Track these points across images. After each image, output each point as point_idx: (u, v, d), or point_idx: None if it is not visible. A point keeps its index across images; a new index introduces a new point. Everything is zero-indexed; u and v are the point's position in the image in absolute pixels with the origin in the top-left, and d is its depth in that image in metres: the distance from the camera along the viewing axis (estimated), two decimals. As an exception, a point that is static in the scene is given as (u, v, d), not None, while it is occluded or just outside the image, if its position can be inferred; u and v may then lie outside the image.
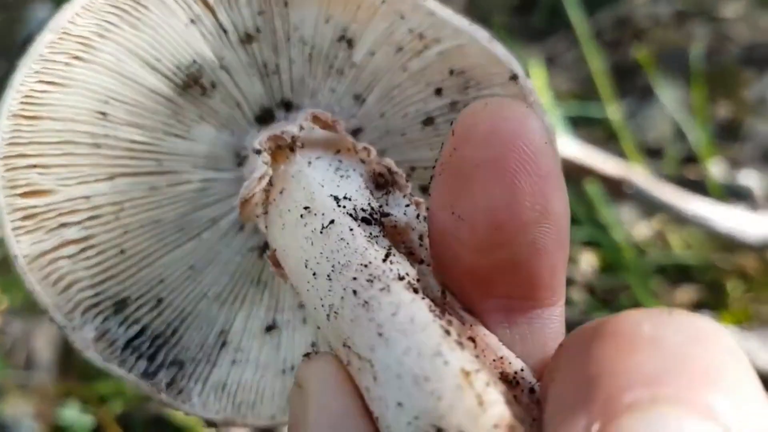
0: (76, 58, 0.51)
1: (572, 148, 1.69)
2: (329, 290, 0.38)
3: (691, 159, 2.14)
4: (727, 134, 2.30)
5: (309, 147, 0.50)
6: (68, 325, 0.51)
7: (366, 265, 0.38)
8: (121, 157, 0.54)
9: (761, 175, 2.10)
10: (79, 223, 0.52)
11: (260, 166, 0.49)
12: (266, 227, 0.48)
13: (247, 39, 0.56)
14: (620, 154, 2.05)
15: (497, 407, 0.31)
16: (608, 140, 2.29)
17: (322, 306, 0.39)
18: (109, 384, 1.61)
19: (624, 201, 2.02)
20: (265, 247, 0.57)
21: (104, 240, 0.53)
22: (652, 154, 2.20)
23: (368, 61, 0.57)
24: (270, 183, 0.49)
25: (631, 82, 2.48)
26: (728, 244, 1.72)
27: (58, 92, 0.51)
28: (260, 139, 0.50)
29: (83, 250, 0.53)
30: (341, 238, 0.40)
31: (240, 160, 0.57)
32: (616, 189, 1.65)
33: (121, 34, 0.52)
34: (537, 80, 1.77)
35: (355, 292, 0.37)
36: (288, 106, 0.58)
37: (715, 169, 1.96)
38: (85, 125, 0.52)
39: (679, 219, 1.64)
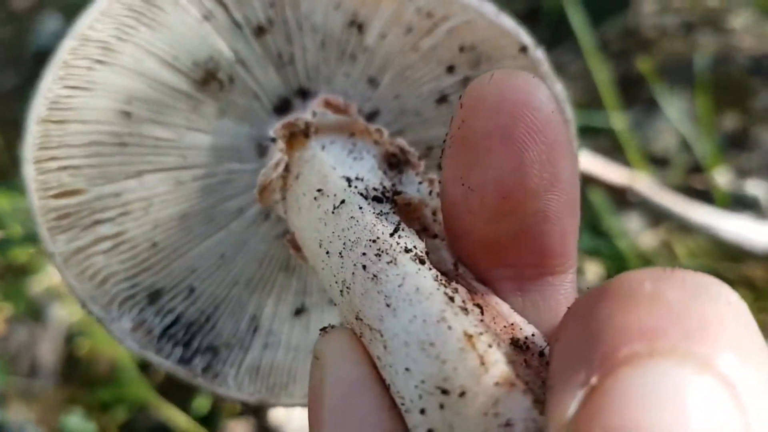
0: (98, 61, 0.53)
1: (583, 161, 1.68)
2: (341, 267, 0.39)
3: (697, 169, 2.13)
4: (734, 144, 2.29)
5: (323, 132, 0.51)
6: (106, 317, 0.52)
7: (374, 240, 0.39)
8: (146, 155, 0.55)
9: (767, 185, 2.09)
10: (111, 219, 0.54)
11: (276, 154, 0.50)
12: (285, 212, 0.49)
13: (260, 31, 0.57)
14: (626, 164, 2.04)
15: (499, 366, 0.31)
16: (614, 150, 2.28)
17: (336, 283, 0.40)
18: (111, 390, 1.61)
19: (629, 210, 2.01)
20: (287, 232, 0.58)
21: (136, 234, 0.55)
22: (658, 163, 2.19)
23: (380, 44, 0.58)
24: (287, 169, 0.50)
25: (637, 93, 2.47)
26: (735, 253, 1.70)
27: (83, 96, 0.52)
28: (275, 127, 0.51)
29: (117, 245, 0.54)
30: (351, 217, 0.41)
31: (262, 150, 0.58)
32: (621, 197, 1.64)
33: (139, 36, 0.53)
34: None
35: (364, 266, 0.38)
36: (305, 94, 0.59)
37: (722, 178, 1.95)
38: (110, 126, 0.54)
39: (685, 227, 1.63)
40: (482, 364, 0.31)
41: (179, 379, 0.53)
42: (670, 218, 1.63)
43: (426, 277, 0.36)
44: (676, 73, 2.47)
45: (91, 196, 0.53)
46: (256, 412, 1.73)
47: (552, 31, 2.71)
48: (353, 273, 0.38)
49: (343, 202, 0.42)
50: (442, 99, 0.60)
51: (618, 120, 1.92)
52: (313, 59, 0.59)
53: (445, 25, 0.56)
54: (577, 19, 1.95)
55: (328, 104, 0.53)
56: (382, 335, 0.35)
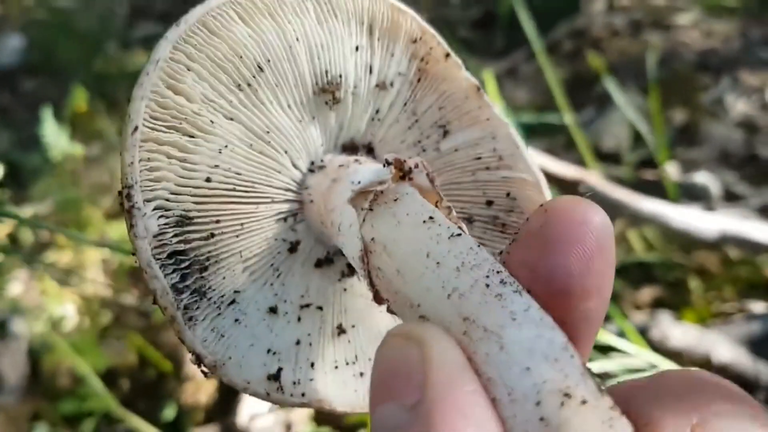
0: (270, 15, 0.60)
1: (532, 155, 1.72)
2: (456, 278, 0.47)
3: (648, 163, 2.19)
4: (685, 138, 2.35)
5: (413, 182, 0.58)
6: (141, 209, 0.54)
7: (498, 271, 0.47)
8: (247, 107, 0.61)
9: (717, 176, 2.15)
10: (192, 136, 0.58)
11: (383, 173, 0.58)
12: (364, 219, 0.55)
13: (380, 85, 0.67)
14: (580, 160, 2.09)
15: (608, 397, 0.40)
16: (569, 148, 2.33)
17: (443, 287, 0.47)
18: (75, 403, 1.60)
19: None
20: (294, 246, 0.65)
21: (200, 162, 0.59)
22: (611, 159, 2.25)
23: (450, 153, 0.69)
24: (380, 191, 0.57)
25: (590, 91, 2.53)
26: (686, 242, 1.75)
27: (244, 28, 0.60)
28: (391, 155, 0.59)
29: (184, 160, 0.58)
30: (470, 248, 0.49)
31: (311, 167, 0.65)
32: (573, 191, 1.68)
33: (308, 22, 0.62)
34: (490, 91, 1.80)
35: (487, 285, 0.46)
36: (370, 149, 0.69)
37: (672, 171, 2.01)
38: (245, 70, 0.60)
39: (636, 218, 1.67)
40: (599, 390, 0.40)
41: (162, 312, 0.55)
42: (621, 210, 1.67)
43: (547, 313, 0.44)
44: (626, 70, 2.53)
45: (195, 108, 0.58)
46: (222, 419, 1.74)
47: (508, 36, 2.77)
48: (472, 286, 0.46)
49: (459, 235, 0.50)
50: (469, 220, 0.68)
51: (570, 119, 1.97)
52: (396, 132, 0.69)
53: (506, 171, 0.67)
54: (528, 24, 1.99)
55: (425, 168, 0.60)
56: (501, 338, 0.43)
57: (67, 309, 1.92)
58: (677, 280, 1.91)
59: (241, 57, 0.59)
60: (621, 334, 1.56)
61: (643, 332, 1.61)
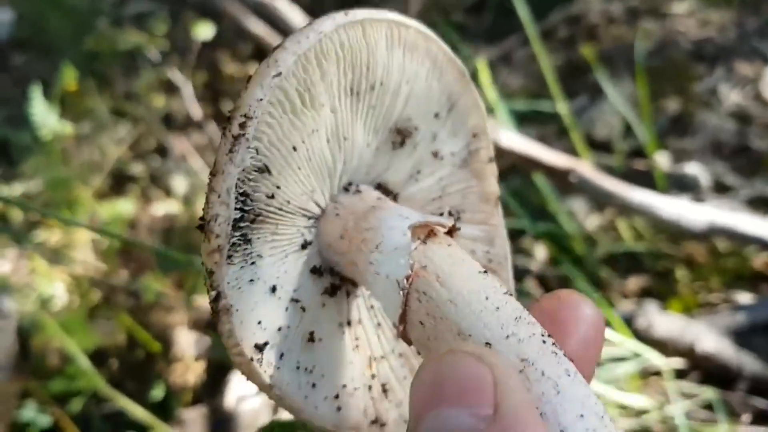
0: (406, 50, 0.68)
1: (520, 142, 1.72)
2: (515, 326, 0.54)
3: (640, 152, 2.19)
4: (677, 127, 2.35)
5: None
6: (249, 141, 0.59)
7: (549, 335, 0.54)
8: (346, 110, 0.67)
9: (708, 167, 2.16)
10: (305, 107, 0.63)
11: (443, 219, 0.65)
12: (416, 248, 0.61)
13: (435, 153, 0.74)
14: (572, 148, 2.09)
15: None
16: (561, 136, 2.34)
17: (501, 329, 0.54)
18: (63, 382, 1.60)
19: (574, 194, 2.06)
20: (305, 245, 0.68)
21: (299, 129, 0.64)
22: (603, 148, 2.25)
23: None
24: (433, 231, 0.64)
25: (584, 79, 2.53)
26: (675, 232, 1.76)
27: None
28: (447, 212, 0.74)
29: (291, 122, 0.63)
30: (522, 309, 0.56)
31: (348, 186, 0.71)
32: (563, 180, 1.69)
33: (422, 73, 0.70)
34: (482, 77, 1.80)
35: (543, 341, 0.53)
36: (395, 198, 0.75)
37: (662, 161, 2.01)
38: (364, 81, 0.67)
39: (625, 208, 1.68)
40: None
41: (207, 240, 0.58)
42: (611, 200, 1.68)
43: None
44: (622, 58, 2.53)
45: (322, 88, 0.63)
46: (209, 400, 1.75)
47: (502, 21, 2.75)
48: (530, 337, 0.53)
49: (512, 295, 0.58)
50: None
51: (562, 107, 1.97)
52: (423, 200, 0.77)
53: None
54: (523, 9, 1.98)
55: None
56: (557, 385, 0.50)
57: (56, 288, 1.92)
58: (665, 270, 1.92)
59: (368, 69, 0.66)
60: (606, 324, 1.57)
61: (629, 321, 1.62)
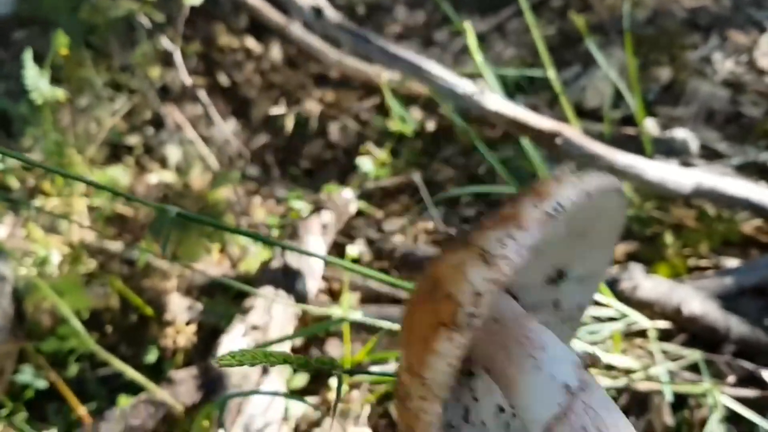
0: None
1: (507, 106, 1.73)
2: None
3: (631, 121, 2.20)
4: (670, 96, 2.35)
5: None
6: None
7: None
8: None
9: (700, 134, 2.16)
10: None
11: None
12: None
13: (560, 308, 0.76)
14: (563, 117, 2.10)
15: None
16: (552, 105, 2.34)
17: None
18: (56, 343, 1.63)
19: (564, 161, 2.06)
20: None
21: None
22: (594, 116, 2.25)
23: None
24: None
25: (577, 49, 2.52)
26: (661, 195, 1.77)
27: None
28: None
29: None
30: None
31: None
32: (550, 144, 1.70)
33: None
34: (470, 41, 1.80)
35: None
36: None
37: (651, 126, 2.01)
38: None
39: (611, 171, 1.69)
40: None
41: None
42: (596, 163, 1.69)
43: None
44: (615, 27, 2.52)
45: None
46: (200, 362, 1.78)
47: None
48: None
49: None
50: None
51: (552, 74, 1.97)
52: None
53: None
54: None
55: None
56: None
57: (52, 253, 1.95)
58: (653, 235, 1.93)
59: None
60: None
61: (614, 283, 1.63)
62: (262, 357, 0.69)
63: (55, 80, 2.73)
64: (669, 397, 1.54)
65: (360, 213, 2.28)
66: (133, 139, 2.59)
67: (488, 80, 1.84)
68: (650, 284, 1.62)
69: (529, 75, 2.37)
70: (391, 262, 2.12)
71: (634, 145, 1.98)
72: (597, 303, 1.60)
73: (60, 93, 1.73)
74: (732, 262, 1.87)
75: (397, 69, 1.76)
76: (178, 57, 1.99)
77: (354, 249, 2.04)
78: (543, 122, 1.69)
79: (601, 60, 1.95)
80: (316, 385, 1.81)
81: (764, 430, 1.51)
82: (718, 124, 2.24)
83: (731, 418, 1.60)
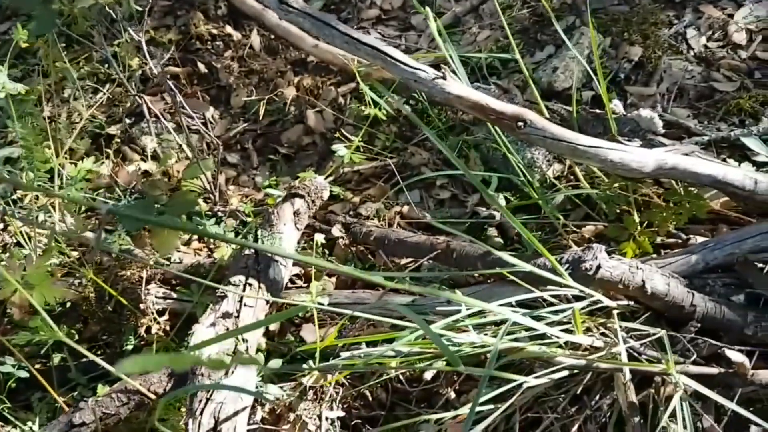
0: None
1: (472, 92, 1.74)
2: None
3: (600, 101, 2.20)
4: (642, 74, 2.35)
5: None
6: None
7: None
8: None
9: (671, 112, 2.16)
10: None
11: None
12: None
13: None
14: (533, 100, 2.10)
15: None
16: (526, 87, 2.34)
17: None
18: (26, 336, 1.66)
19: (535, 147, 2.07)
20: None
21: None
22: (565, 98, 2.25)
23: None
24: None
25: (552, 29, 2.52)
26: (625, 175, 1.77)
27: None
28: None
29: None
30: None
31: None
32: (514, 128, 1.70)
33: None
34: (432, 26, 1.81)
35: None
36: None
37: (616, 106, 2.02)
38: None
39: (574, 153, 1.69)
40: None
41: None
42: (558, 146, 1.69)
43: None
44: (591, 6, 2.51)
45: None
46: (175, 350, 1.81)
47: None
48: None
49: None
50: None
51: (518, 56, 1.97)
52: None
53: None
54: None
55: None
56: None
57: (25, 246, 1.98)
58: (621, 214, 1.94)
59: None
60: (552, 271, 1.60)
61: (578, 263, 1.65)
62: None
63: (38, 73, 2.75)
64: (629, 375, 1.56)
65: (337, 198, 2.31)
66: (113, 129, 2.61)
67: (453, 64, 1.85)
68: (612, 264, 1.64)
69: (500, 58, 2.38)
70: (367, 246, 2.14)
71: (602, 125, 1.98)
72: (559, 284, 1.61)
73: (20, 87, 1.75)
74: (701, 239, 1.88)
75: (360, 55, 1.77)
76: (144, 46, 2.01)
77: (322, 237, 2.07)
78: (505, 107, 1.70)
79: (568, 41, 1.95)
80: (291, 370, 1.84)
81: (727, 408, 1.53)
82: (690, 101, 2.24)
83: (696, 394, 1.62)
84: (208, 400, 1.54)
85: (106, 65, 2.78)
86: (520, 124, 1.68)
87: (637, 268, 1.66)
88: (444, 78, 1.69)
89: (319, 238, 2.01)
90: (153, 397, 1.64)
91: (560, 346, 1.63)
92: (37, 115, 2.49)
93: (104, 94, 2.73)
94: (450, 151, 1.28)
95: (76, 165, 2.12)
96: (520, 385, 1.56)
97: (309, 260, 1.11)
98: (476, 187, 1.78)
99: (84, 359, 1.99)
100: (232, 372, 1.64)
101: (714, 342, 1.67)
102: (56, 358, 1.98)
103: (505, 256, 1.49)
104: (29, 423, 1.85)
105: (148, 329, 1.88)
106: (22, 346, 1.84)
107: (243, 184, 2.45)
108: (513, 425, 1.68)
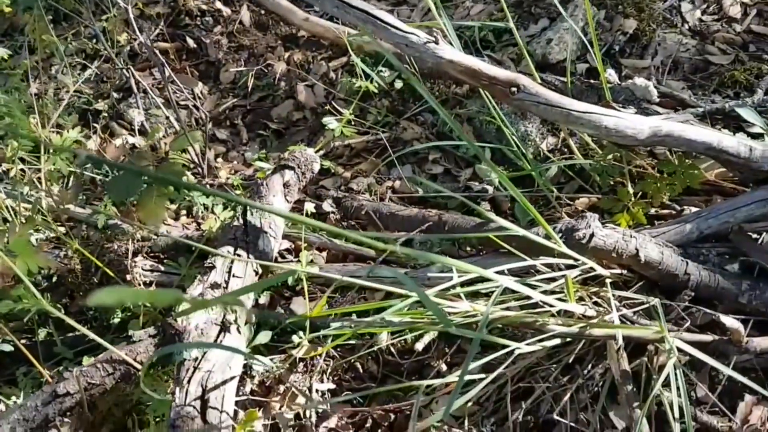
0: None
1: (465, 57, 1.71)
2: None
3: (595, 73, 2.18)
4: (637, 47, 2.33)
5: None
6: None
7: None
8: None
9: (665, 84, 2.14)
10: None
11: None
12: None
13: None
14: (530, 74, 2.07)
15: None
16: (520, 60, 2.32)
17: None
18: (9, 304, 1.63)
19: (525, 113, 2.05)
20: None
21: None
22: (560, 71, 2.23)
23: None
24: None
25: (547, 2, 2.49)
26: (619, 143, 1.75)
27: None
28: None
29: None
30: None
31: None
32: (507, 94, 1.67)
33: None
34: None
35: None
36: None
37: (610, 76, 1.99)
38: None
39: (568, 119, 1.67)
40: None
41: None
42: (553, 113, 1.66)
43: None
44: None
45: None
46: (163, 322, 1.79)
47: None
48: None
49: None
50: None
51: (512, 26, 1.94)
52: None
53: None
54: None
55: None
56: None
57: (10, 216, 1.94)
58: (615, 186, 1.92)
59: None
60: (546, 236, 1.58)
61: (571, 232, 1.63)
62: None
63: (25, 49, 2.71)
64: (621, 342, 1.54)
65: (328, 172, 2.28)
66: (101, 105, 2.57)
67: (446, 30, 1.82)
68: (606, 233, 1.62)
69: (492, 29, 2.35)
70: (359, 221, 2.12)
71: (597, 95, 1.96)
72: (551, 253, 1.59)
73: (2, 52, 1.71)
74: (691, 210, 1.86)
75: (351, 20, 1.74)
76: (133, 19, 1.97)
77: (312, 206, 2.04)
78: (498, 71, 1.67)
79: (564, 12, 1.92)
80: (281, 342, 1.81)
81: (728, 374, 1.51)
82: (684, 73, 2.22)
83: (690, 364, 1.60)
84: (195, 369, 1.51)
85: (94, 41, 2.73)
86: (514, 89, 1.65)
87: (631, 236, 1.64)
88: (436, 42, 1.66)
89: (310, 206, 1.98)
90: (139, 366, 1.61)
91: (552, 315, 1.60)
92: (23, 90, 2.45)
93: (92, 70, 2.69)
94: (450, 118, 1.25)
95: (61, 136, 2.09)
96: (512, 353, 1.54)
97: (300, 218, 1.08)
98: (478, 156, 1.76)
99: (70, 334, 1.97)
100: (221, 341, 1.61)
101: (708, 310, 1.65)
102: (42, 333, 1.95)
103: (501, 221, 1.47)
104: (13, 398, 1.82)
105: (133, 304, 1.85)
106: (7, 319, 1.81)
107: (232, 160, 2.41)
108: (504, 395, 1.66)
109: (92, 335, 1.54)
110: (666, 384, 1.47)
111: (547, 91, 1.69)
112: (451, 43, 1.87)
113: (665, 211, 1.89)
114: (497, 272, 1.54)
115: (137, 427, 1.75)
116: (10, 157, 1.82)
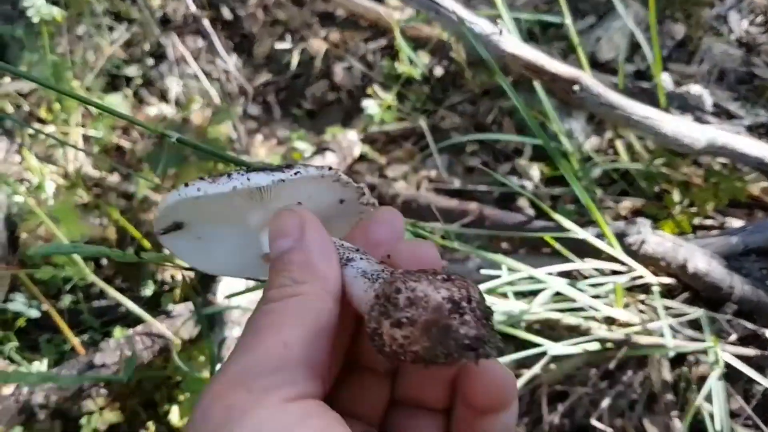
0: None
1: (528, 50, 1.68)
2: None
3: (644, 75, 2.16)
4: (683, 53, 2.30)
5: None
6: None
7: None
8: None
9: (712, 92, 2.12)
10: None
11: None
12: None
13: None
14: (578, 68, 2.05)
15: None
16: (566, 55, 2.29)
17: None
18: (51, 270, 1.59)
19: (575, 112, 2.03)
20: None
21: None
22: (608, 69, 2.20)
23: None
24: None
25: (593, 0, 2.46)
26: (674, 150, 1.73)
27: None
28: None
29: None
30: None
31: None
32: (566, 91, 1.65)
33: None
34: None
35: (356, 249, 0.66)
36: None
37: (666, 81, 1.97)
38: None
39: (627, 122, 1.65)
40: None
41: None
42: (613, 114, 1.65)
43: None
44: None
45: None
46: (200, 298, 1.75)
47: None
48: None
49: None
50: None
51: (568, 20, 1.91)
52: None
53: None
54: None
55: None
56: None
57: (47, 182, 1.90)
58: (660, 192, 1.91)
59: None
60: (599, 237, 1.56)
61: (622, 236, 1.61)
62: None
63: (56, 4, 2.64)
64: (671, 353, 1.53)
65: (363, 157, 2.24)
66: (132, 70, 2.52)
67: (506, 22, 1.79)
68: (657, 240, 1.60)
69: (543, 22, 2.31)
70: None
71: (648, 98, 1.94)
72: (602, 257, 1.58)
73: (56, 11, 1.66)
74: (736, 223, 1.85)
75: (413, 5, 1.70)
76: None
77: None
78: (561, 68, 1.64)
79: (622, 10, 1.89)
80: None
81: (762, 388, 1.51)
82: (730, 83, 2.20)
83: (728, 376, 1.60)
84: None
85: (128, 1, 2.67)
86: (576, 87, 1.63)
87: (680, 246, 1.63)
88: (500, 33, 1.63)
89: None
90: (178, 341, 1.58)
91: (595, 320, 1.59)
92: (52, 49, 2.40)
93: (122, 32, 2.63)
94: (525, 107, 1.22)
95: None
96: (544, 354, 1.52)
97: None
98: (547, 149, 1.73)
99: (95, 302, 1.94)
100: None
101: (749, 324, 1.64)
102: (66, 300, 1.92)
103: (559, 218, 1.45)
104: (36, 362, 1.79)
105: (171, 275, 1.82)
106: (37, 283, 1.78)
107: (265, 137, 2.38)
108: (538, 397, 1.65)
109: (137, 308, 1.52)
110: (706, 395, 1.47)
111: (610, 91, 1.66)
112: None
113: (708, 222, 1.88)
114: (548, 274, 1.53)
115: (166, 401, 1.73)
116: (56, 121, 1.77)
